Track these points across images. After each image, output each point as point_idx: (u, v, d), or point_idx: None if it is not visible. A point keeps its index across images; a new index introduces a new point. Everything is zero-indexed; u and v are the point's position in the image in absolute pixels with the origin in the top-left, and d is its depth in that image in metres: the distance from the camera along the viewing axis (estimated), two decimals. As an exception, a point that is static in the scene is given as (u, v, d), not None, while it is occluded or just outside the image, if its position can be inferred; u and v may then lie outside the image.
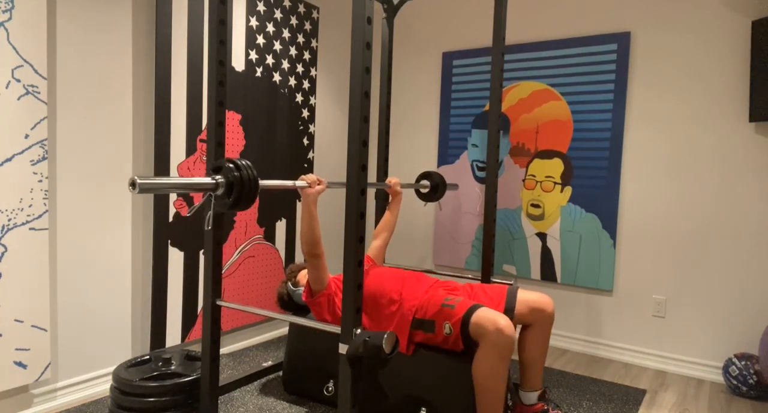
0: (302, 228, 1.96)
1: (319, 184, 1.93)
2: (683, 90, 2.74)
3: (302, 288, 2.24)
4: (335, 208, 3.61)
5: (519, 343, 2.15)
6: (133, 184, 1.28)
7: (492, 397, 1.81)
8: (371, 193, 3.75)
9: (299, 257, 3.24)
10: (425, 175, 2.82)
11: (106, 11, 2.20)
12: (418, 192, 2.87)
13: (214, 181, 1.49)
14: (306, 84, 3.20)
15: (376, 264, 2.44)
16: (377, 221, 2.84)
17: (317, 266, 2.01)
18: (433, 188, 2.80)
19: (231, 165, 1.51)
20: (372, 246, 2.52)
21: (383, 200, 2.82)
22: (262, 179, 2.94)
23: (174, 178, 1.39)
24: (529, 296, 2.10)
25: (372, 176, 3.70)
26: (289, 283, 2.34)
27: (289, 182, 1.83)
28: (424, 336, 1.96)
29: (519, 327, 2.20)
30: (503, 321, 1.78)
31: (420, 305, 1.98)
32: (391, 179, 2.53)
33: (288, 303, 2.37)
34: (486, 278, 2.45)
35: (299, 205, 3.21)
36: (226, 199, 1.52)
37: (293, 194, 3.16)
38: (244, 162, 1.52)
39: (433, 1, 3.55)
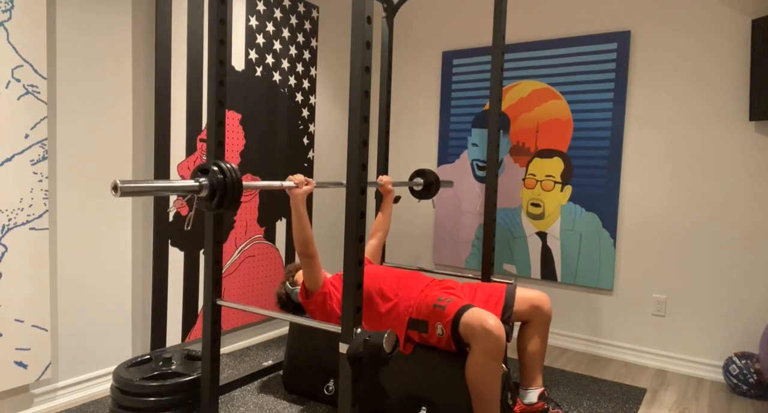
0: (294, 228, 1.96)
1: (306, 184, 1.93)
2: (683, 89, 2.74)
3: (299, 288, 2.23)
4: (335, 208, 3.61)
5: (518, 340, 2.16)
6: (114, 188, 1.27)
7: (486, 399, 1.79)
8: (371, 193, 3.75)
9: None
10: (419, 173, 2.82)
11: (106, 11, 2.20)
12: (411, 190, 2.87)
13: (197, 183, 1.49)
14: (306, 83, 3.20)
15: (372, 263, 2.43)
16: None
17: (311, 265, 2.01)
18: (427, 185, 2.79)
19: (216, 168, 1.51)
20: (368, 246, 2.52)
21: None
22: (263, 177, 2.94)
23: (157, 181, 1.39)
24: (526, 294, 2.12)
25: (372, 175, 3.70)
26: (287, 283, 2.34)
27: (276, 183, 1.82)
28: (420, 336, 1.96)
29: (518, 325, 2.20)
30: (492, 321, 1.77)
31: (416, 305, 1.98)
32: (383, 178, 2.54)
33: (287, 303, 2.37)
34: (486, 277, 2.45)
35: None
36: (209, 202, 1.52)
37: (293, 194, 3.16)
38: (228, 165, 1.52)
39: (433, 0, 3.55)
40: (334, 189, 3.58)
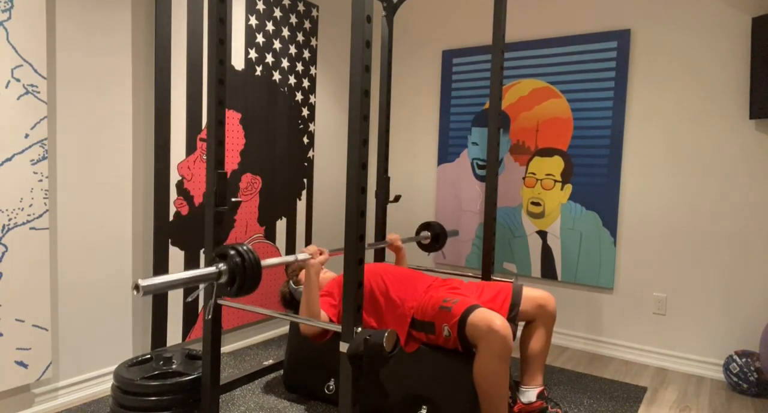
0: (303, 302, 1.93)
1: (320, 254, 1.91)
2: (683, 87, 2.74)
3: (303, 287, 2.23)
4: (335, 207, 3.61)
5: (521, 339, 2.16)
6: (136, 288, 1.27)
7: (494, 399, 1.80)
8: (371, 192, 3.75)
9: (300, 256, 3.24)
10: (425, 226, 2.79)
11: (105, 10, 2.19)
12: (419, 244, 2.84)
13: (217, 270, 1.48)
14: (306, 83, 3.19)
15: None
16: (377, 220, 2.83)
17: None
18: (434, 238, 2.78)
19: (233, 252, 1.51)
20: None
21: (383, 199, 2.82)
22: (263, 177, 2.94)
23: (176, 274, 1.37)
24: (532, 293, 2.13)
25: (372, 174, 3.70)
26: (291, 282, 2.35)
27: (291, 258, 1.80)
28: (426, 337, 1.96)
29: (522, 324, 2.20)
30: (498, 321, 1.77)
31: (419, 305, 1.98)
32: (390, 236, 2.54)
33: (291, 302, 2.38)
34: (486, 276, 2.45)
35: (299, 204, 3.21)
36: (229, 287, 1.51)
37: (294, 194, 3.16)
38: (245, 247, 1.51)
39: (433, -1, 3.55)
40: (335, 189, 3.58)
